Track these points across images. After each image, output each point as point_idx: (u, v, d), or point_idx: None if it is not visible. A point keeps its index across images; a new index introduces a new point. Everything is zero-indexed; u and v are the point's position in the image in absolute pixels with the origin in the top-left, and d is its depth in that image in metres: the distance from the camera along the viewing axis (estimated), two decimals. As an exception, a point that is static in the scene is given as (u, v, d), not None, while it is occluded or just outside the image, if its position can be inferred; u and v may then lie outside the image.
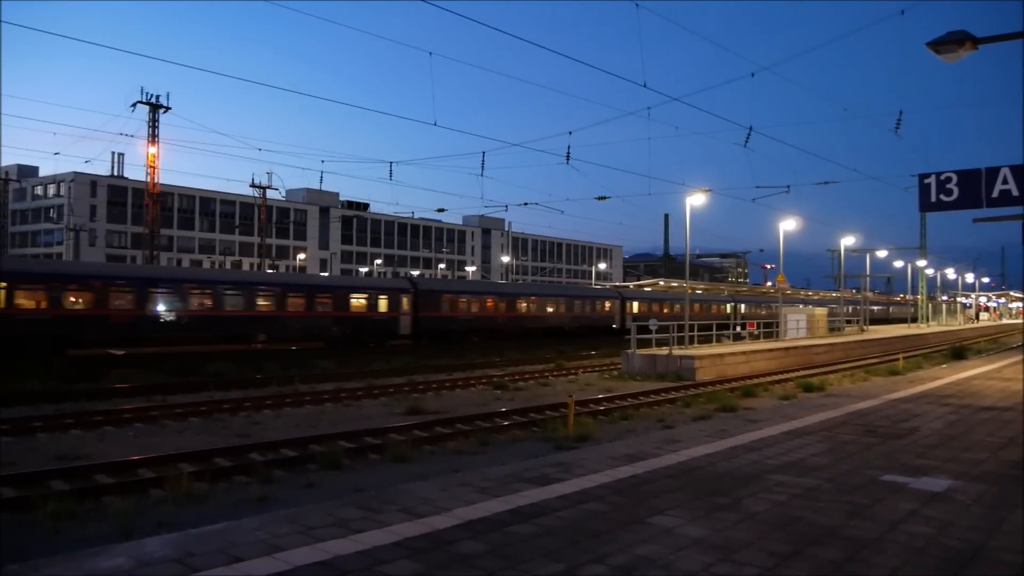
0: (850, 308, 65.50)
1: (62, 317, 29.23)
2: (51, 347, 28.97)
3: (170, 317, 32.02)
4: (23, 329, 28.13)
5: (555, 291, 55.42)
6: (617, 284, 52.60)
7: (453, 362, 31.63)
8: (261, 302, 34.96)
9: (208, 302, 33.34)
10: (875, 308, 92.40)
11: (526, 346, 42.18)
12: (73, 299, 29.88)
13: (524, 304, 48.31)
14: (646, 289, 64.82)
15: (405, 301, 40.69)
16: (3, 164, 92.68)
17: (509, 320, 46.72)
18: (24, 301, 28.64)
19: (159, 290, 32.08)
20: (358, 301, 38.60)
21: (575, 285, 61.80)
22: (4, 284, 28.09)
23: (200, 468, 11.40)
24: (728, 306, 66.04)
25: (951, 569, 5.30)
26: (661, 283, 68.62)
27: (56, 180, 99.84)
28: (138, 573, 4.88)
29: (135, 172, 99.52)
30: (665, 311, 56.91)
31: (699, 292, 68.34)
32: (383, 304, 39.67)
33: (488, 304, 46.03)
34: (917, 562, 5.42)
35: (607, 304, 53.78)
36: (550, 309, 49.71)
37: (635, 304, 56.10)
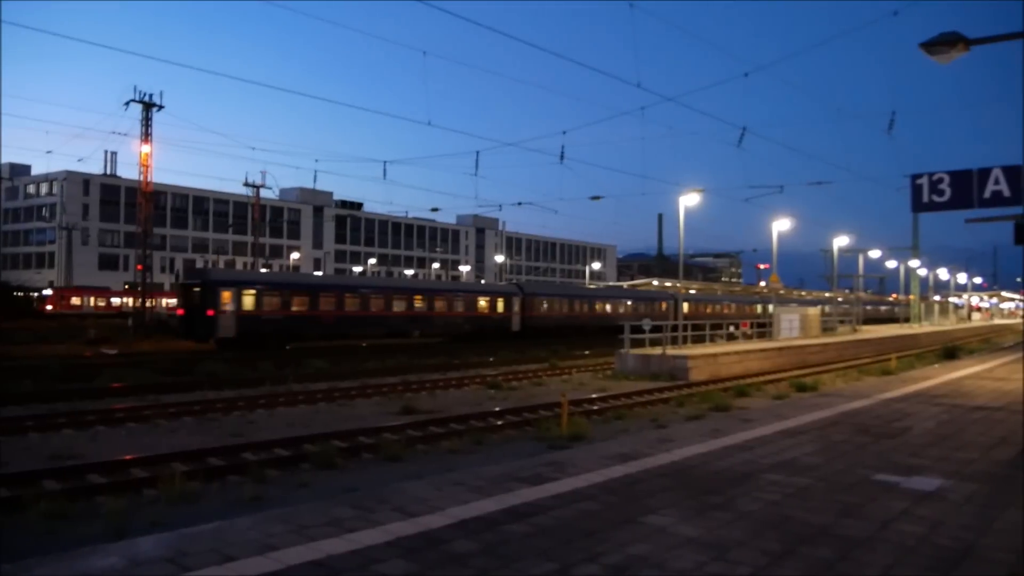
0: (846, 308, 65.81)
1: (290, 317, 36.97)
2: (282, 342, 36.12)
3: (358, 317, 39.58)
4: (267, 327, 35.90)
5: (624, 294, 61.96)
6: (676, 285, 55.67)
7: (447, 361, 31.63)
8: (417, 304, 42.89)
9: (382, 305, 40.92)
10: (877, 308, 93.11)
11: (606, 340, 45.30)
12: (298, 304, 37.40)
13: (601, 305, 55.64)
14: (692, 291, 71.44)
15: (516, 303, 48.15)
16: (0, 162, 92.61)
17: (591, 319, 52.98)
18: (267, 305, 36.25)
19: (352, 296, 39.82)
20: (483, 303, 46.52)
21: (639, 288, 66.45)
22: (254, 291, 36.05)
23: (193, 467, 11.39)
24: (759, 307, 68.08)
25: (942, 568, 5.33)
26: (655, 283, 69.36)
27: (48, 179, 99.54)
28: (131, 573, 4.87)
29: (128, 171, 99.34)
30: (708, 310, 63.25)
31: (693, 291, 68.93)
32: (500, 306, 47.33)
33: (576, 305, 53.26)
34: (909, 561, 5.44)
35: (663, 305, 59.77)
36: (621, 310, 55.93)
37: (686, 305, 61.29)
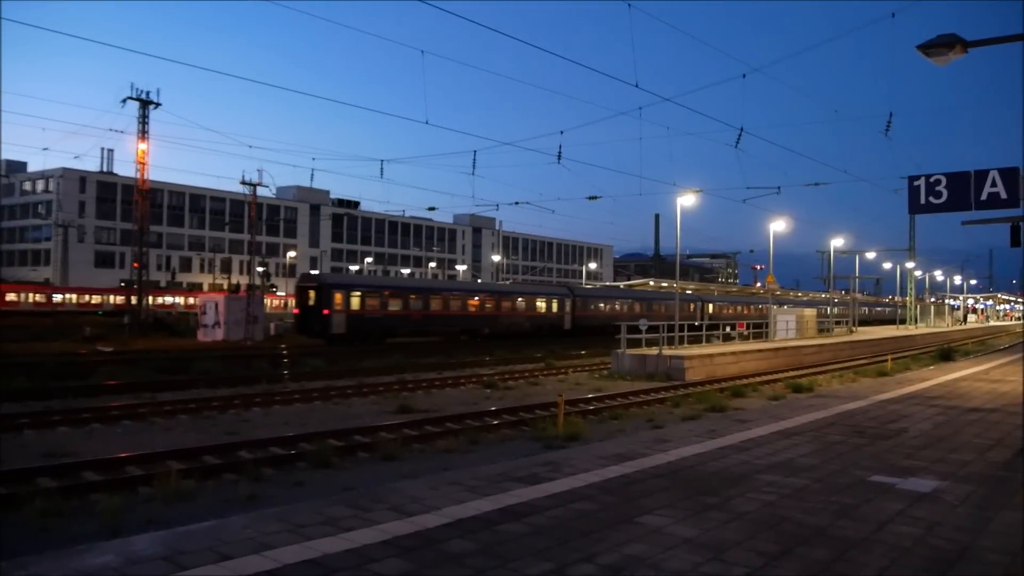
0: (842, 309, 66.13)
1: (387, 316, 42.34)
2: (380, 338, 40.97)
3: (441, 316, 45.00)
4: (369, 325, 40.92)
5: (658, 296, 65.61)
6: (698, 288, 57.91)
7: (443, 360, 31.61)
8: (488, 306, 48.49)
9: (459, 305, 46.51)
10: (873, 309, 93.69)
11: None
12: (393, 305, 42.95)
13: (639, 305, 60.19)
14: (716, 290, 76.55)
15: (568, 304, 53.35)
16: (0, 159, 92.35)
17: (630, 317, 56.87)
18: (369, 306, 41.51)
19: (435, 298, 45.42)
20: (541, 304, 51.83)
21: (671, 291, 69.78)
22: (359, 293, 41.59)
23: (189, 466, 11.37)
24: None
25: (938, 569, 5.34)
26: (651, 283, 69.70)
27: (45, 176, 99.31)
28: (126, 571, 4.86)
29: (125, 168, 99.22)
30: (730, 311, 67.92)
31: (690, 291, 69.40)
32: (555, 307, 52.64)
33: (618, 306, 58.57)
34: (904, 562, 5.45)
35: (692, 306, 64.76)
36: (654, 309, 60.20)
37: (711, 306, 66.32)
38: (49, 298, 69.94)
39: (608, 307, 57.85)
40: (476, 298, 48.35)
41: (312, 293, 40.08)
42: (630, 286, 73.75)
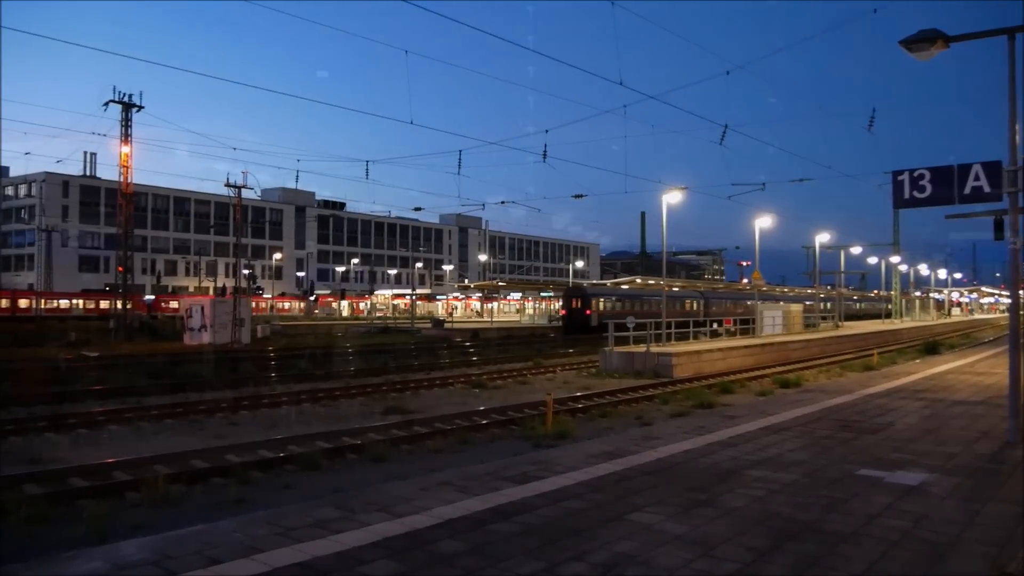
0: (828, 304, 66.69)
1: (614, 314, 52.56)
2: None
3: (642, 312, 52.77)
4: (606, 320, 47.53)
5: (760, 297, 79.17)
6: (660, 283, 63.23)
7: (431, 361, 31.58)
8: (657, 305, 58.27)
9: (647, 304, 58.89)
10: (858, 304, 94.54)
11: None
12: (619, 306, 58.60)
13: (742, 307, 70.02)
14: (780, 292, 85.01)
15: (702, 303, 67.55)
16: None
17: (738, 312, 66.36)
18: (606, 307, 57.96)
19: (636, 300, 61.28)
20: (688, 303, 65.47)
21: (769, 292, 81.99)
22: (603, 299, 59.36)
23: (176, 470, 11.28)
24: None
25: (927, 562, 5.37)
26: (638, 280, 70.52)
27: (27, 180, 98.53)
28: (114, 577, 4.82)
29: (108, 172, 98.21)
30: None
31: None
32: (696, 305, 66.62)
33: (731, 306, 70.96)
34: (893, 555, 5.47)
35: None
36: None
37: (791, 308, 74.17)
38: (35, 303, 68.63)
39: (727, 305, 71.58)
40: (657, 300, 61.20)
41: (576, 300, 57.63)
42: (651, 286, 77.07)
